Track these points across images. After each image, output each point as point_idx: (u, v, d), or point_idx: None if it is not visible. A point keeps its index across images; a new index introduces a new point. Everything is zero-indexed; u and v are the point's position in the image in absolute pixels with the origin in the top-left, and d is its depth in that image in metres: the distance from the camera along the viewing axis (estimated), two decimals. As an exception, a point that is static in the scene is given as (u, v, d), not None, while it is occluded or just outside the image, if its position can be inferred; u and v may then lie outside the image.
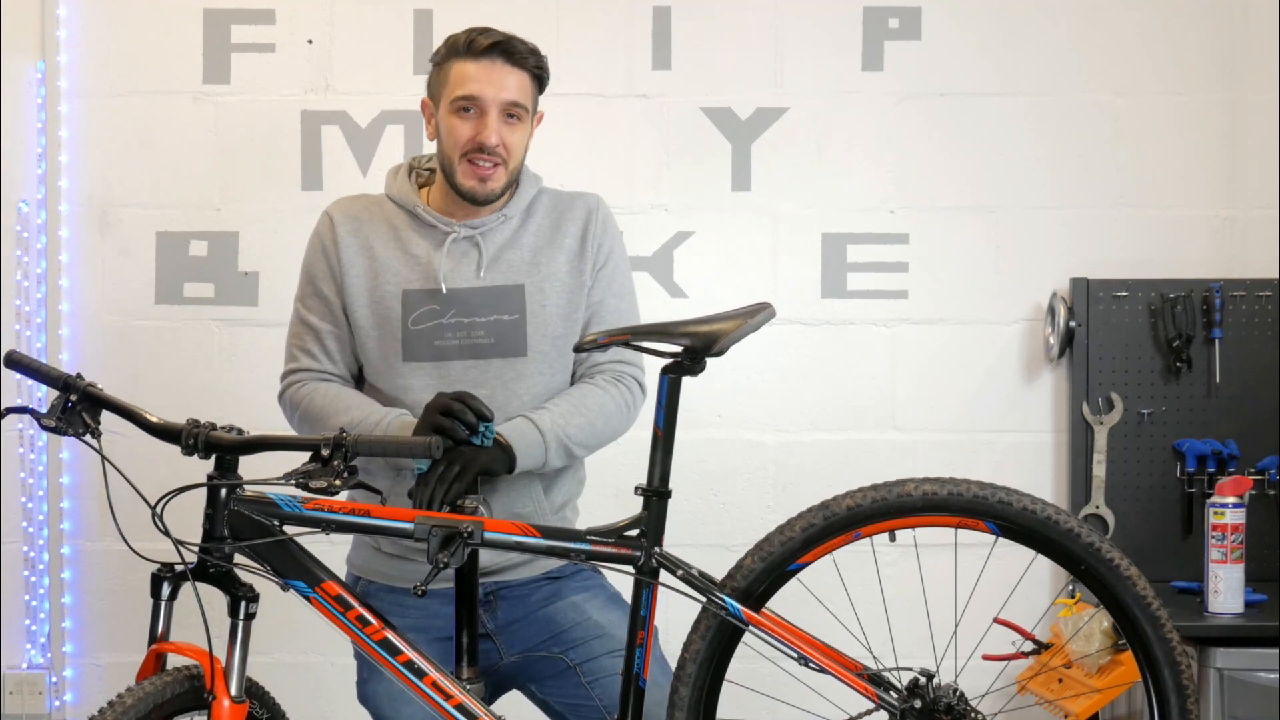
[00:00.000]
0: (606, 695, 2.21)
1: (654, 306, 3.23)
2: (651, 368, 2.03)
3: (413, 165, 2.38)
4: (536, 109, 2.32)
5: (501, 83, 2.21)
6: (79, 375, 1.91)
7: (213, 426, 1.87)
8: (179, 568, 1.87)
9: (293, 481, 1.79)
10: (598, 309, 2.33)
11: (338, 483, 1.78)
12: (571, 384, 2.33)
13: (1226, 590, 2.78)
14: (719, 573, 1.95)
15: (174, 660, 1.87)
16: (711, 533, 3.21)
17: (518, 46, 2.23)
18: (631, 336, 1.95)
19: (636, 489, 1.95)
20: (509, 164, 2.25)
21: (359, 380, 2.35)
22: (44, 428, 1.88)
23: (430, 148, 2.41)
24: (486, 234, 2.28)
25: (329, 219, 2.33)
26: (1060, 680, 2.74)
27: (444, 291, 2.24)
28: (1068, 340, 3.20)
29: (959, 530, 1.91)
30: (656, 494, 1.93)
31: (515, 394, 2.24)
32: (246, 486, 1.88)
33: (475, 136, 2.21)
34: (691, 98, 3.27)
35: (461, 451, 2.05)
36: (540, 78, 2.30)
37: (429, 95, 2.30)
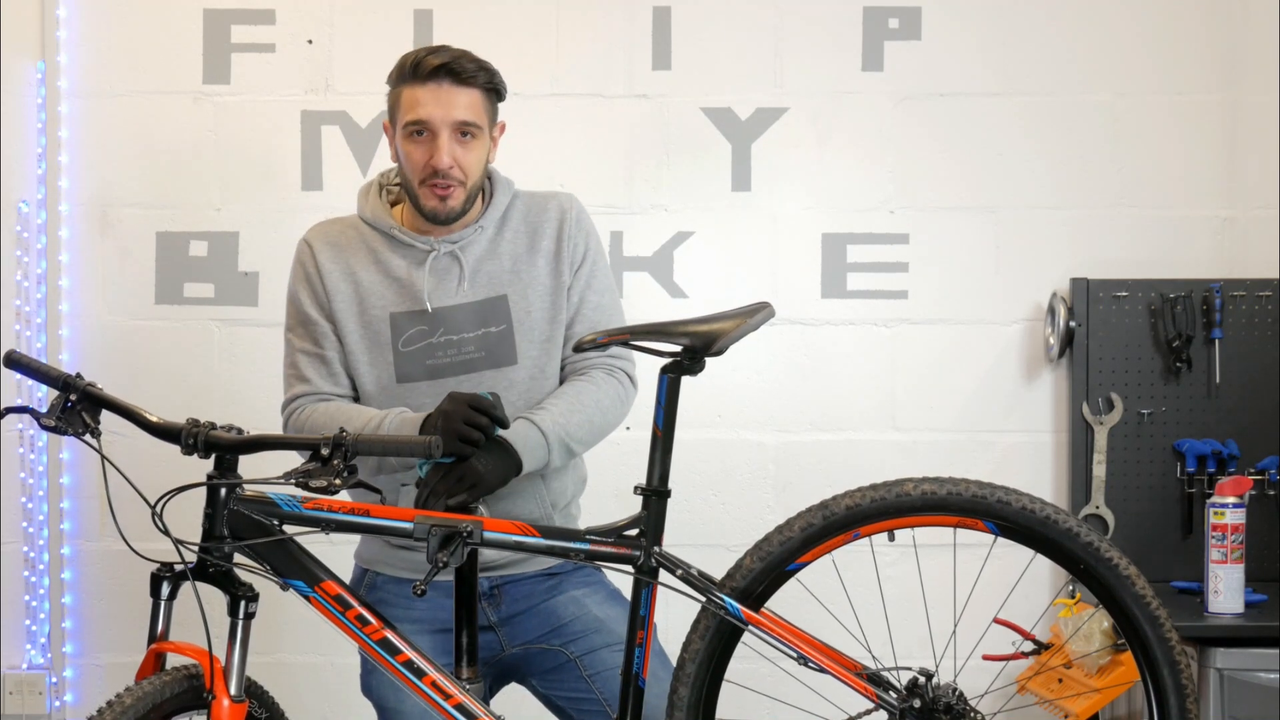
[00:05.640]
0: (607, 689, 2.22)
1: (654, 306, 3.24)
2: (651, 367, 2.03)
3: (382, 184, 2.38)
4: (495, 121, 2.31)
5: (450, 103, 2.20)
6: (79, 375, 1.91)
7: (212, 426, 1.87)
8: (179, 567, 1.87)
9: (292, 481, 1.79)
10: (580, 307, 2.33)
11: (337, 482, 1.78)
12: (561, 380, 2.34)
13: (1226, 590, 2.78)
14: (718, 573, 1.95)
15: (174, 660, 1.87)
16: (711, 533, 3.21)
17: (465, 65, 2.21)
18: (631, 336, 1.96)
19: (636, 489, 1.95)
20: (467, 183, 2.24)
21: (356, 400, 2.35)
22: (44, 427, 1.88)
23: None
24: (465, 248, 2.29)
25: (309, 247, 2.33)
26: (1060, 680, 2.74)
27: (430, 311, 2.25)
28: (1068, 340, 3.20)
29: (958, 530, 1.91)
30: (656, 493, 1.94)
31: (508, 401, 2.24)
32: (246, 486, 1.89)
33: (429, 161, 2.21)
34: (691, 98, 3.27)
35: (473, 467, 2.06)
36: (494, 90, 2.28)
37: (389, 118, 2.30)
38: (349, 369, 2.30)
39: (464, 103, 2.21)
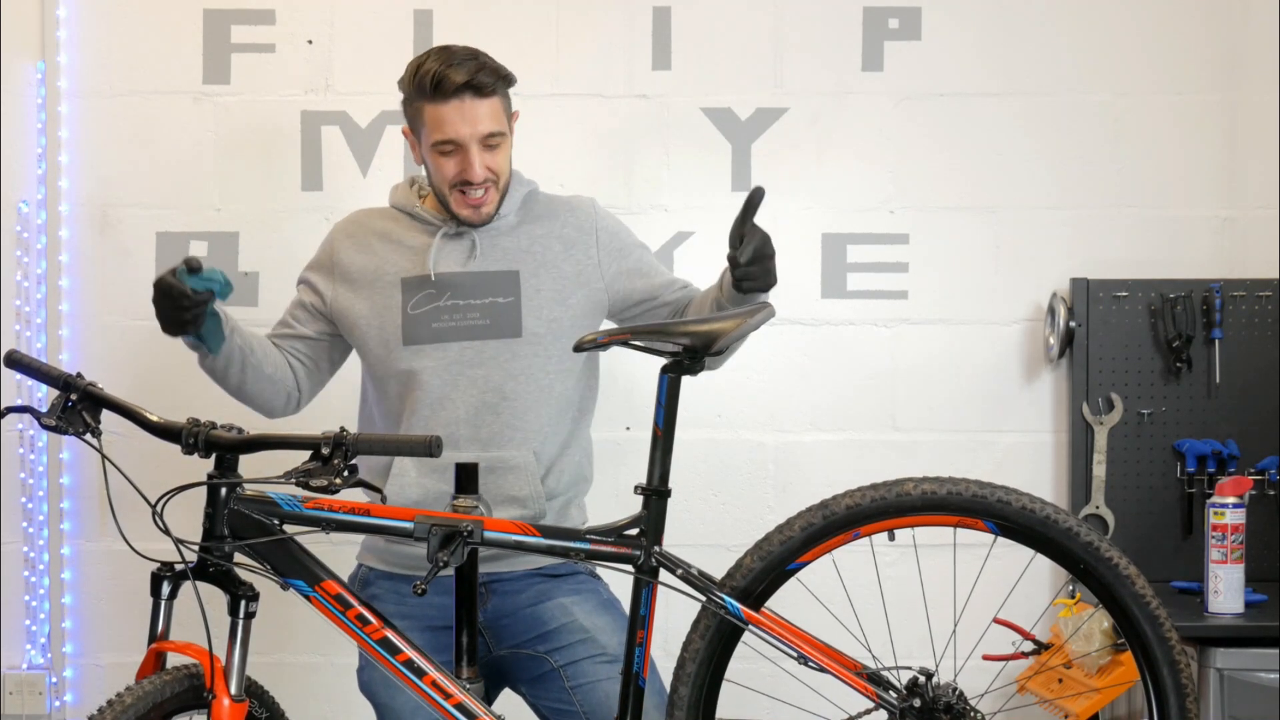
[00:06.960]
0: (588, 701, 2.22)
1: (654, 306, 3.23)
2: (651, 368, 2.03)
3: (414, 180, 2.49)
4: (511, 113, 2.40)
5: (475, 119, 2.28)
6: (79, 375, 1.91)
7: (213, 425, 1.88)
8: (179, 567, 1.88)
9: (293, 480, 1.80)
10: (638, 266, 2.46)
11: (338, 481, 1.78)
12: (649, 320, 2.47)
13: (1226, 590, 2.78)
14: (718, 573, 1.95)
15: (174, 659, 1.87)
16: (711, 533, 3.21)
17: (484, 80, 2.28)
18: (631, 336, 1.97)
19: (636, 488, 1.95)
20: (499, 184, 2.35)
21: (365, 382, 2.47)
22: (44, 427, 1.89)
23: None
24: (480, 227, 2.39)
25: (331, 233, 2.47)
26: (1060, 680, 2.74)
27: (439, 276, 2.33)
28: (1068, 340, 3.20)
29: (958, 529, 1.91)
30: (656, 493, 1.94)
31: (511, 374, 2.32)
32: (246, 485, 1.89)
33: (461, 173, 2.30)
34: (691, 98, 3.27)
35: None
36: (508, 87, 2.38)
37: (409, 126, 2.39)
38: (350, 334, 2.41)
39: (487, 114, 2.30)
